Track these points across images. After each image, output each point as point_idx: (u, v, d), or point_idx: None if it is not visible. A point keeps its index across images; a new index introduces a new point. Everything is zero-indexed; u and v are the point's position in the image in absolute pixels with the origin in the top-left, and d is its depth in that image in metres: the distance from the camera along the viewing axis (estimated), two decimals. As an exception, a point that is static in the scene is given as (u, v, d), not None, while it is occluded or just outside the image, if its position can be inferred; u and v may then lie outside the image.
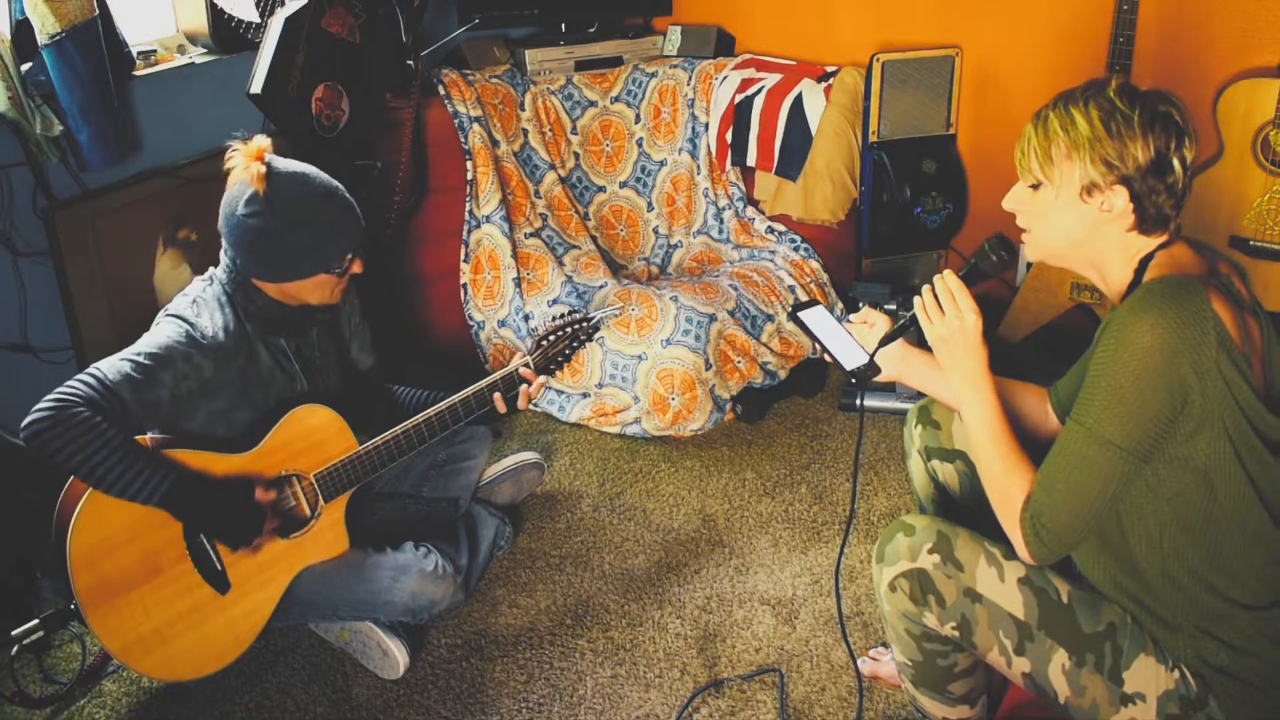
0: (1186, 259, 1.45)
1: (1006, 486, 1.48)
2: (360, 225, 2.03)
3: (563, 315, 2.22)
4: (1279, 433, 1.40)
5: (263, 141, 1.93)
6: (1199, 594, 1.44)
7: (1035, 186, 1.49)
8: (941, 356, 1.56)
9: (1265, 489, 1.41)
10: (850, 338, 1.71)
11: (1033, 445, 1.51)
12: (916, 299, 1.58)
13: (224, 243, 1.97)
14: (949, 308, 1.53)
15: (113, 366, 1.81)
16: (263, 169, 1.90)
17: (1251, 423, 1.37)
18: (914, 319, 1.59)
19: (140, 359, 1.84)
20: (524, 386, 2.16)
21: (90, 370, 1.80)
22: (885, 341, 1.68)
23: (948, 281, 1.54)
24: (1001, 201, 1.56)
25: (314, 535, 2.06)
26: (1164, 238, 1.47)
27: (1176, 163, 1.41)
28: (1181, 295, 1.35)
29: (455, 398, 2.12)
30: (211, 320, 1.93)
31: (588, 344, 2.23)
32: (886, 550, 1.58)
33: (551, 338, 2.19)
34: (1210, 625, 1.45)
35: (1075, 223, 1.47)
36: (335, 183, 2.00)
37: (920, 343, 1.67)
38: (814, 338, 1.71)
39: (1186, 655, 1.46)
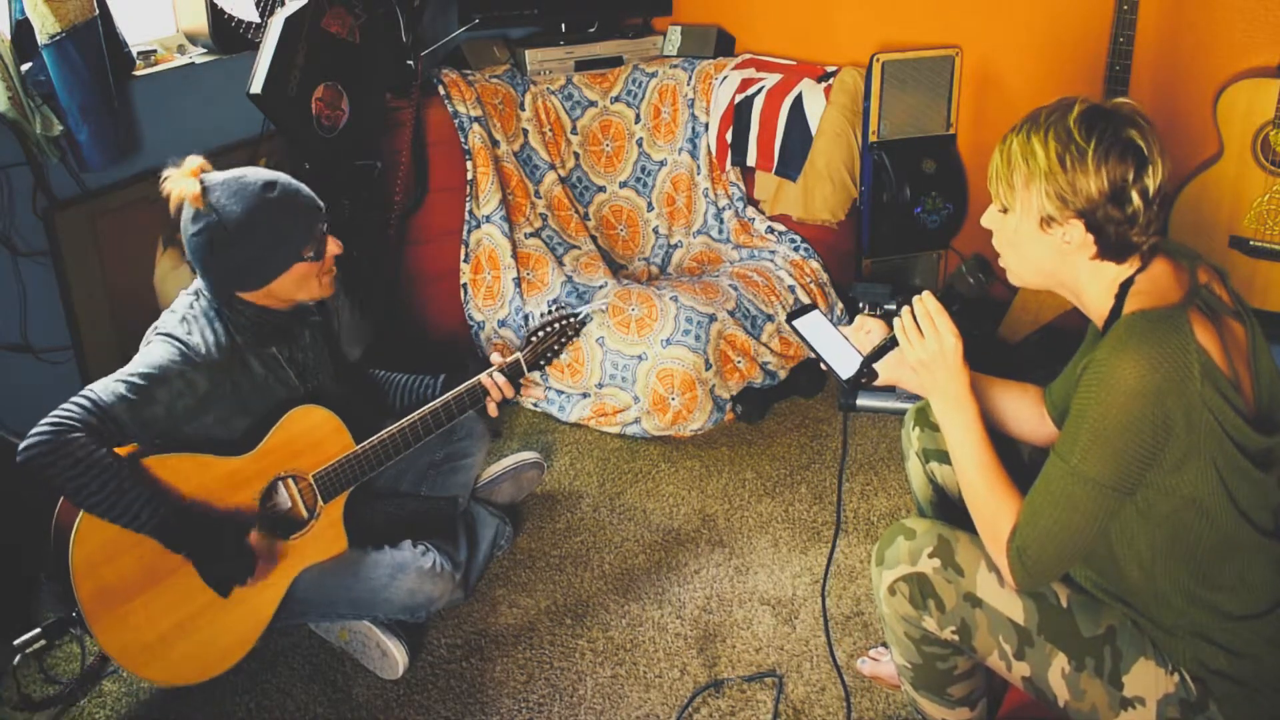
0: (1166, 281, 1.42)
1: (993, 515, 1.48)
2: (315, 203, 1.99)
3: (550, 311, 2.29)
4: (1265, 445, 1.39)
5: (194, 161, 1.92)
6: (1191, 609, 1.45)
7: (1005, 210, 1.48)
8: (923, 380, 1.54)
9: (1250, 507, 1.40)
10: (846, 342, 1.70)
11: (1030, 449, 1.50)
12: (896, 320, 1.56)
13: (195, 271, 1.97)
14: (928, 331, 1.51)
15: (107, 388, 1.81)
16: (196, 186, 1.88)
17: (1239, 446, 1.37)
18: (894, 340, 1.57)
19: (134, 379, 1.83)
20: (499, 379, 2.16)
21: (85, 392, 1.79)
22: (868, 361, 1.63)
23: (926, 303, 1.52)
24: (980, 218, 1.55)
25: (313, 536, 2.06)
26: (1138, 263, 1.44)
27: (1135, 194, 1.37)
28: (1163, 332, 1.33)
29: (448, 395, 2.15)
30: (203, 337, 1.93)
31: (575, 339, 2.29)
32: (886, 553, 1.58)
33: (541, 334, 2.25)
34: (1207, 631, 1.45)
35: (1041, 252, 1.46)
36: (274, 173, 1.97)
37: None
38: (809, 345, 1.69)
39: (1185, 659, 1.47)
